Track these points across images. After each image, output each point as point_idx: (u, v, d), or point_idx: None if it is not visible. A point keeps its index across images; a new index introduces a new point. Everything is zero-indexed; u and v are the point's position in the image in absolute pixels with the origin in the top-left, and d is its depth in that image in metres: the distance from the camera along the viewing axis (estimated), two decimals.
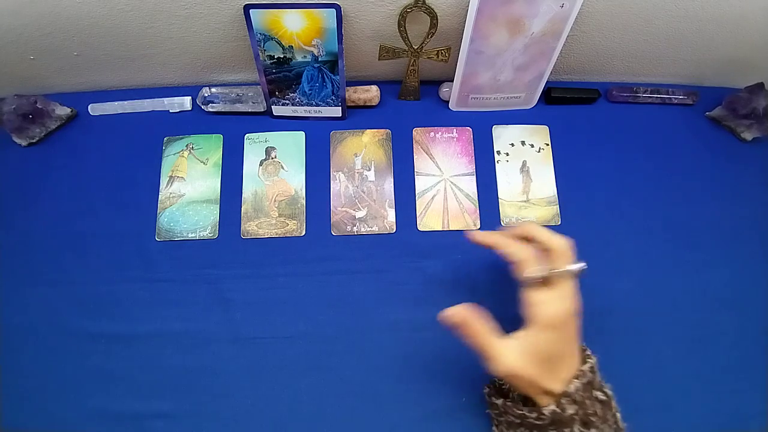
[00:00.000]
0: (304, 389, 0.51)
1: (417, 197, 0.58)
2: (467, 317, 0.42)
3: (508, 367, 0.40)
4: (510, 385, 0.44)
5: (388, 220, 0.58)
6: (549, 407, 0.40)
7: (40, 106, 0.58)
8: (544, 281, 0.42)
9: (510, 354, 0.41)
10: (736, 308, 0.55)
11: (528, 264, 0.42)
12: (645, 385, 0.52)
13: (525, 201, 0.59)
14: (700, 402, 0.51)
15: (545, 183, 0.59)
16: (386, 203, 0.58)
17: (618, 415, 0.42)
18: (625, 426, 0.42)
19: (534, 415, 0.41)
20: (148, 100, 0.62)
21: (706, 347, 0.53)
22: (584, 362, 0.43)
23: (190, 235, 0.56)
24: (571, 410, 0.40)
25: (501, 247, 0.44)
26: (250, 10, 0.50)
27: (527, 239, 0.45)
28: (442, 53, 0.56)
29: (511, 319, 0.54)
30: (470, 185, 0.59)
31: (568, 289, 0.42)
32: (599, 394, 0.41)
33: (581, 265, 0.43)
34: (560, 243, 0.43)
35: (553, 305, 0.41)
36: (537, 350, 0.41)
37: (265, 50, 0.54)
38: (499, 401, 0.44)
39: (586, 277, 0.56)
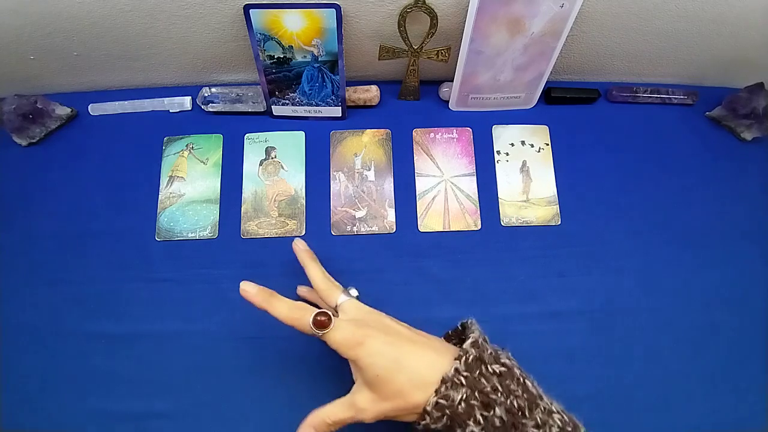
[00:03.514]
0: (304, 389, 0.51)
1: (417, 198, 0.58)
2: (318, 417, 0.40)
3: (367, 415, 0.38)
4: (403, 420, 0.39)
5: (387, 220, 0.58)
6: (432, 400, 0.36)
7: (40, 106, 0.58)
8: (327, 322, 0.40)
9: (358, 400, 0.39)
10: (736, 308, 0.55)
11: (305, 322, 0.40)
12: (645, 385, 0.52)
13: (525, 201, 0.59)
14: (700, 402, 0.51)
15: (545, 183, 0.59)
16: (386, 203, 0.58)
17: (528, 382, 0.38)
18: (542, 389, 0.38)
19: (427, 420, 0.36)
20: (148, 100, 0.62)
21: (706, 347, 0.53)
22: (467, 341, 0.39)
23: (190, 235, 0.56)
24: (458, 395, 0.35)
25: (267, 309, 0.42)
26: (250, 10, 0.50)
27: None
28: (442, 53, 0.56)
29: (511, 319, 0.54)
30: (471, 185, 0.59)
31: (353, 309, 0.42)
32: (495, 367, 0.37)
33: (344, 298, 0.43)
34: (321, 283, 0.45)
35: (344, 333, 0.39)
36: (368, 379, 0.38)
37: (265, 50, 0.54)
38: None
39: (586, 277, 0.56)
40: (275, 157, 0.60)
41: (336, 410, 0.40)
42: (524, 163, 0.60)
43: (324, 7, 0.49)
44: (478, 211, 0.58)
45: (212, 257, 0.56)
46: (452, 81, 0.59)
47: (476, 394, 0.36)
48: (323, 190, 0.59)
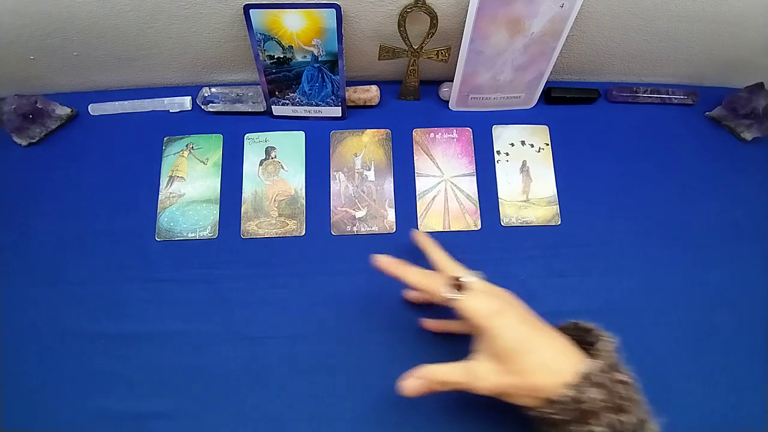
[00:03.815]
0: (303, 389, 0.51)
1: (417, 198, 0.58)
2: (430, 372, 0.41)
3: (484, 384, 0.38)
4: (514, 402, 0.39)
5: (387, 220, 0.58)
6: (560, 391, 0.36)
7: (40, 106, 0.58)
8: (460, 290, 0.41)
9: (479, 368, 0.39)
10: (736, 308, 0.55)
11: (438, 285, 0.41)
12: (645, 385, 0.51)
13: (525, 201, 0.59)
14: (700, 402, 0.51)
15: (545, 183, 0.59)
16: (386, 203, 0.58)
17: (642, 398, 0.38)
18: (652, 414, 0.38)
19: (551, 409, 0.36)
20: (148, 100, 0.62)
21: (706, 347, 0.53)
22: (600, 344, 0.39)
23: (190, 235, 0.57)
24: (596, 394, 0.35)
25: (401, 276, 0.44)
26: (250, 10, 0.50)
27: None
28: (442, 53, 0.56)
29: None
30: (471, 185, 0.59)
31: (483, 285, 0.42)
32: (624, 377, 0.38)
33: (479, 274, 0.44)
34: (448, 263, 0.45)
35: (480, 302, 0.40)
36: (498, 350, 0.38)
37: (265, 50, 0.54)
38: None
39: (586, 277, 0.56)
40: (275, 157, 0.60)
41: (452, 372, 0.40)
42: (524, 163, 0.60)
43: (324, 7, 0.49)
44: (478, 211, 0.58)
45: (212, 257, 0.56)
46: (452, 81, 0.59)
47: (611, 396, 0.36)
48: (323, 190, 0.59)
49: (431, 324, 0.52)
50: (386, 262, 0.45)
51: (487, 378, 0.39)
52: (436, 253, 0.47)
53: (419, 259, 0.56)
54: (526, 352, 0.38)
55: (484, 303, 0.40)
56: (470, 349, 0.42)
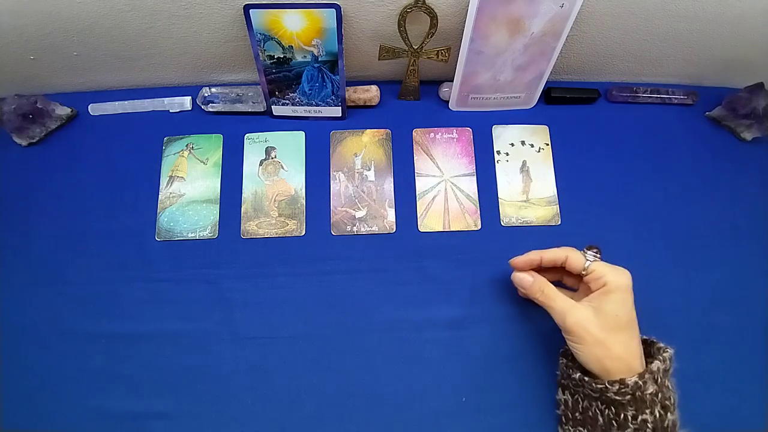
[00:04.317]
0: (304, 389, 0.51)
1: (417, 198, 0.58)
2: (542, 282, 0.48)
3: (577, 318, 0.44)
4: (579, 351, 0.45)
5: (387, 220, 0.58)
6: (632, 378, 0.41)
7: (40, 106, 0.58)
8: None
9: (581, 309, 0.44)
10: (736, 308, 0.55)
11: (578, 255, 0.47)
12: None
13: (525, 201, 0.59)
14: (700, 402, 0.51)
15: (545, 183, 0.59)
16: (386, 203, 0.58)
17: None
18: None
19: (615, 387, 0.41)
20: (148, 100, 0.62)
21: (706, 347, 0.53)
22: (664, 351, 0.45)
23: (190, 235, 0.57)
24: (651, 389, 0.41)
25: (542, 257, 0.48)
26: (250, 10, 0.50)
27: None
28: (442, 53, 0.56)
29: (512, 319, 0.54)
30: (471, 185, 0.59)
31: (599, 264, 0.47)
32: (669, 383, 0.43)
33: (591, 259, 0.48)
34: (563, 250, 0.48)
35: (615, 273, 0.45)
36: (606, 310, 0.44)
37: (265, 50, 0.54)
38: (577, 375, 0.45)
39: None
40: (275, 157, 0.60)
41: (555, 294, 0.46)
42: (524, 163, 0.60)
43: (324, 7, 0.49)
44: (478, 211, 0.58)
45: (212, 257, 0.56)
46: (452, 81, 0.59)
47: (661, 394, 0.42)
48: (323, 190, 0.59)
49: (522, 262, 0.50)
50: (523, 259, 0.49)
51: (579, 320, 0.44)
52: (547, 252, 0.49)
53: (419, 259, 0.56)
54: (625, 327, 0.44)
55: (623, 276, 0.45)
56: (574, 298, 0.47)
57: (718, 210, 0.59)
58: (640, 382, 0.41)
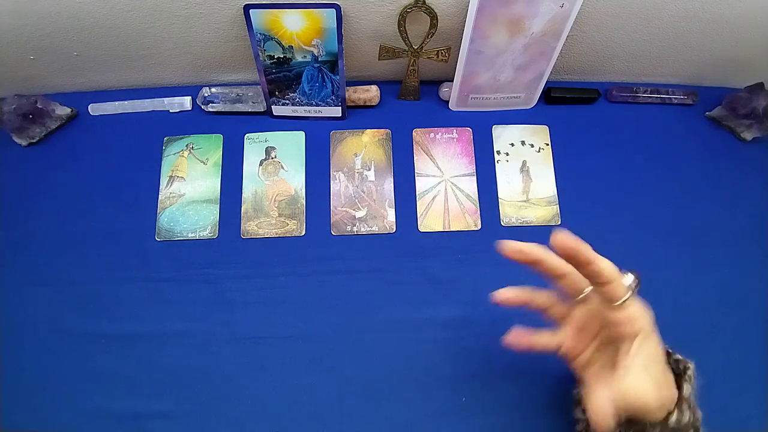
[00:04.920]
0: (304, 389, 0.51)
1: (417, 198, 0.58)
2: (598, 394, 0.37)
3: (636, 391, 0.35)
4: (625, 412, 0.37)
5: (387, 220, 0.58)
6: (672, 417, 0.37)
7: (40, 106, 0.58)
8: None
9: (634, 373, 0.35)
10: (736, 308, 0.55)
11: (620, 279, 0.36)
12: None
13: (525, 201, 0.59)
14: (701, 402, 0.51)
15: (545, 183, 0.59)
16: (386, 203, 0.58)
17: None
18: None
19: (657, 430, 0.38)
20: (148, 100, 0.62)
21: (706, 347, 0.53)
22: (686, 367, 0.40)
23: (190, 235, 0.56)
24: (687, 418, 0.38)
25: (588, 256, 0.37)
26: (250, 10, 0.50)
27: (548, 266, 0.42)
28: (442, 53, 0.56)
29: (512, 319, 0.54)
30: (471, 185, 0.59)
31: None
32: (695, 401, 0.40)
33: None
34: (607, 265, 0.38)
35: (645, 309, 0.37)
36: (652, 369, 0.37)
37: (265, 50, 0.54)
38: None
39: None
40: (275, 157, 0.60)
41: (605, 392, 0.36)
42: (524, 163, 0.60)
43: (324, 7, 0.49)
44: (478, 211, 0.58)
45: (212, 257, 0.56)
46: (452, 81, 0.59)
47: (693, 418, 0.39)
48: (323, 190, 0.59)
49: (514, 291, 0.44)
50: (569, 241, 0.36)
51: (643, 391, 0.35)
52: (602, 261, 0.37)
53: (419, 259, 0.56)
54: (664, 363, 0.39)
55: (648, 311, 0.37)
56: (612, 361, 0.39)
57: (719, 210, 0.59)
58: (679, 417, 0.38)
